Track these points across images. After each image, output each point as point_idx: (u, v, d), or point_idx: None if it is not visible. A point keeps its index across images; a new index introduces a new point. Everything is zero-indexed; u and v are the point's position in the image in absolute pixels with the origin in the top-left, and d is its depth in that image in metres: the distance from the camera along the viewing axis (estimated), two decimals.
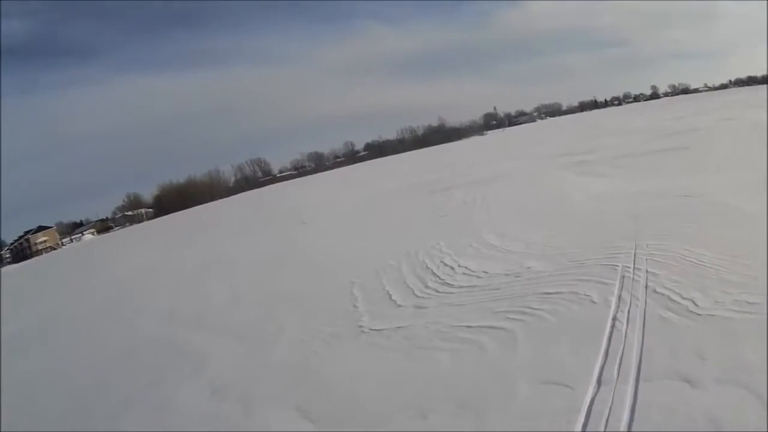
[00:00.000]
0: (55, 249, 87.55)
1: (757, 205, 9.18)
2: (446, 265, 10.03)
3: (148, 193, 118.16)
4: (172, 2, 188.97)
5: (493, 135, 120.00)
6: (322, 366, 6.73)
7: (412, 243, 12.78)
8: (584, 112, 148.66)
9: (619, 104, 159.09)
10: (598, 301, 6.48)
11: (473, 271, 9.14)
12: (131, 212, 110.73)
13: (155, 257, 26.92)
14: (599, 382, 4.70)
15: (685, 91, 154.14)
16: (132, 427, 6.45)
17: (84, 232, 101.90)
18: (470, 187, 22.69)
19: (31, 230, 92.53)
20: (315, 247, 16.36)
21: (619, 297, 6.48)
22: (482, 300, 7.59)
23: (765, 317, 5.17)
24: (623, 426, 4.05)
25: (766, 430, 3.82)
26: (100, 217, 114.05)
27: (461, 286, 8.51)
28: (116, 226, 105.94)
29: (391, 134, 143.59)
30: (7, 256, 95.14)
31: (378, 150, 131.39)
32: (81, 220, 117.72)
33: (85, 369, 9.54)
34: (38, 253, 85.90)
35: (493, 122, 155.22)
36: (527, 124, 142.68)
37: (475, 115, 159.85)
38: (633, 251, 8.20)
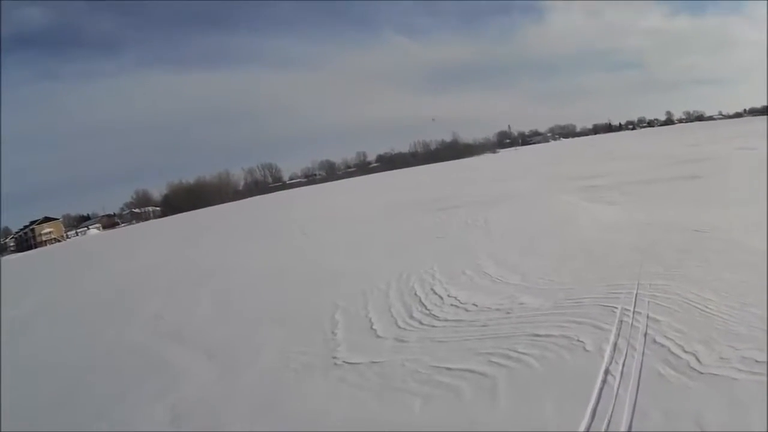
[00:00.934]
0: (59, 241, 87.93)
1: None
2: (435, 293, 9.48)
3: (157, 191, 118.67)
4: (195, 1, 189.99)
5: (505, 153, 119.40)
6: (288, 400, 6.23)
7: (405, 265, 12.27)
8: (598, 135, 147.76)
9: (633, 128, 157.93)
10: (591, 349, 5.91)
11: (462, 303, 8.58)
12: (139, 209, 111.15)
13: (153, 258, 26.61)
14: None
15: (700, 118, 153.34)
16: None
17: (89, 227, 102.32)
18: (475, 207, 22.14)
19: (37, 220, 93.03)
20: (310, 261, 15.89)
21: (615, 345, 5.91)
22: (467, 338, 7.04)
23: None
24: None
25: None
26: (107, 212, 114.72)
27: (447, 320, 7.95)
28: (122, 223, 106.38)
29: (404, 147, 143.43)
30: (12, 244, 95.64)
31: (389, 162, 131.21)
32: (88, 214, 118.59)
33: (57, 375, 9.19)
34: (42, 244, 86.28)
35: (506, 140, 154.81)
36: (540, 144, 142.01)
37: (490, 132, 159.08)
38: (635, 291, 7.65)
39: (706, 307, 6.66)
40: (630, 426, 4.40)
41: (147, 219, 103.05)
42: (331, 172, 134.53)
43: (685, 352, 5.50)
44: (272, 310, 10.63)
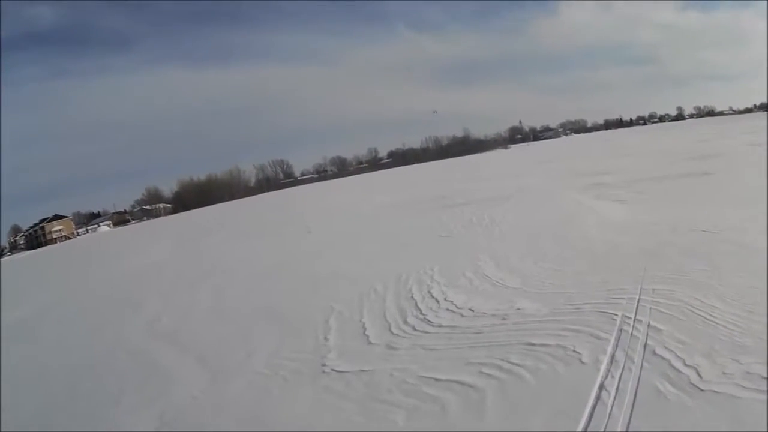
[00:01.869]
0: (69, 239, 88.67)
1: None
2: (432, 297, 9.23)
3: (167, 188, 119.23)
4: None
5: (516, 149, 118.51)
6: (273, 410, 6.07)
7: (406, 265, 12.04)
8: (609, 130, 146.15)
9: (644, 124, 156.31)
10: (587, 361, 5.63)
11: (458, 308, 8.32)
12: (149, 206, 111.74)
13: (159, 256, 26.65)
14: None
15: (710, 113, 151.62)
16: None
17: (100, 224, 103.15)
18: (481, 204, 21.80)
19: (47, 218, 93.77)
20: (312, 260, 15.73)
21: (612, 357, 5.62)
22: (459, 345, 6.79)
23: None
24: None
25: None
26: (118, 209, 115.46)
27: (441, 326, 7.70)
28: (133, 220, 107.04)
29: (415, 142, 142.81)
30: (22, 242, 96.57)
31: (401, 158, 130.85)
32: (98, 211, 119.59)
33: (53, 378, 9.16)
34: (52, 241, 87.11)
35: (517, 136, 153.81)
36: (551, 140, 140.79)
37: (501, 127, 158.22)
38: (637, 297, 7.34)
39: (711, 315, 6.35)
40: None
41: (158, 216, 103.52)
42: (342, 168, 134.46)
43: (686, 365, 5.20)
44: (268, 312, 10.48)
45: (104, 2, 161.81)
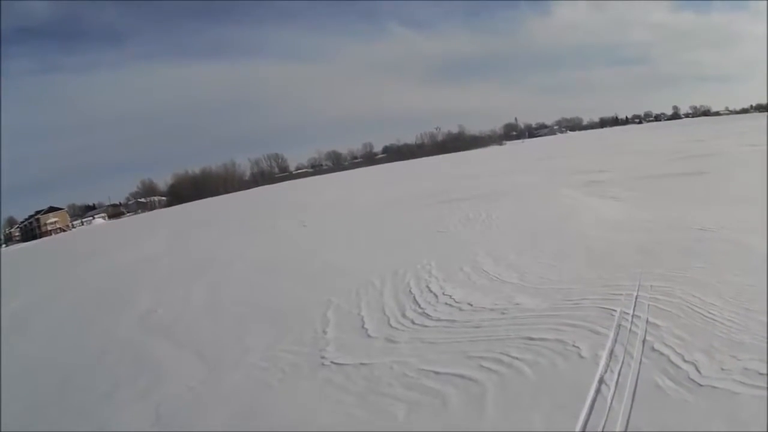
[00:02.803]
0: (64, 231, 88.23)
1: None
2: (430, 291, 9.23)
3: (162, 181, 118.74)
4: None
5: (511, 146, 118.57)
6: (271, 403, 6.04)
7: (403, 260, 12.02)
8: (604, 129, 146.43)
9: (640, 122, 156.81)
10: (586, 356, 5.65)
11: (456, 302, 8.33)
12: (144, 199, 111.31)
13: (153, 249, 26.45)
14: None
15: (706, 113, 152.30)
16: None
17: (95, 216, 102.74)
18: (478, 200, 21.79)
19: (42, 210, 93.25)
20: (308, 254, 15.67)
21: (611, 352, 5.64)
22: (458, 339, 6.80)
23: None
24: None
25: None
26: (113, 202, 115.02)
27: (440, 320, 7.71)
28: (128, 212, 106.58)
29: (410, 138, 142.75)
30: (17, 234, 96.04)
31: (396, 153, 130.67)
32: (94, 204, 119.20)
33: (49, 372, 9.05)
34: (47, 233, 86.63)
35: (513, 133, 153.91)
36: (547, 137, 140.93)
37: (496, 124, 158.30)
38: (635, 293, 7.36)
39: (709, 312, 6.37)
40: None
41: (153, 209, 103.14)
42: (337, 163, 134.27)
43: (685, 361, 5.23)
44: (265, 306, 10.45)
45: None
